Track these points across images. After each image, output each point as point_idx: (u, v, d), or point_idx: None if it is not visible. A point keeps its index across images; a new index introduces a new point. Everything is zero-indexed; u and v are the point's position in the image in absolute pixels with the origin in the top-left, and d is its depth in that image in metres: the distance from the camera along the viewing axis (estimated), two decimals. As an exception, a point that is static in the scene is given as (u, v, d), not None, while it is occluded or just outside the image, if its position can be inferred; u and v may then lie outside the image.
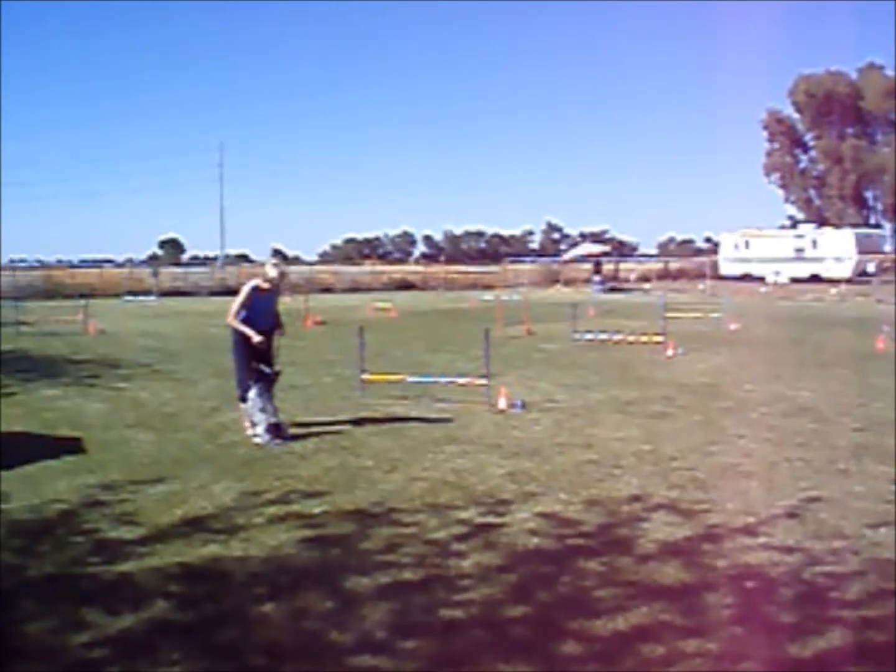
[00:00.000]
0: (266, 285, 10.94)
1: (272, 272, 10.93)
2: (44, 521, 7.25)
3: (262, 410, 10.40)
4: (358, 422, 11.46)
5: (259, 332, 10.63)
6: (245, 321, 10.70)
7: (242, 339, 10.72)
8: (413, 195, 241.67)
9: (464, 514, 7.36)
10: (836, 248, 59.61)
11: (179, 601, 5.57)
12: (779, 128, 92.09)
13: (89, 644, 4.92)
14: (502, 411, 12.15)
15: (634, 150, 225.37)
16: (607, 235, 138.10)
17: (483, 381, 12.74)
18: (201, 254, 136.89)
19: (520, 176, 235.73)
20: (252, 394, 10.56)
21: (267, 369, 10.67)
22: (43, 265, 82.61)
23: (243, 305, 10.76)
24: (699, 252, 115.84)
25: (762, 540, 6.68)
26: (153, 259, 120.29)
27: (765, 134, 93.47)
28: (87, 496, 7.95)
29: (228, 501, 7.79)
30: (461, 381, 13.36)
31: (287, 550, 6.50)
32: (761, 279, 60.26)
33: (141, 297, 47.56)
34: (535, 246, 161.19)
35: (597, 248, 70.31)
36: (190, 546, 6.58)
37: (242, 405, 10.84)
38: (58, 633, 5.06)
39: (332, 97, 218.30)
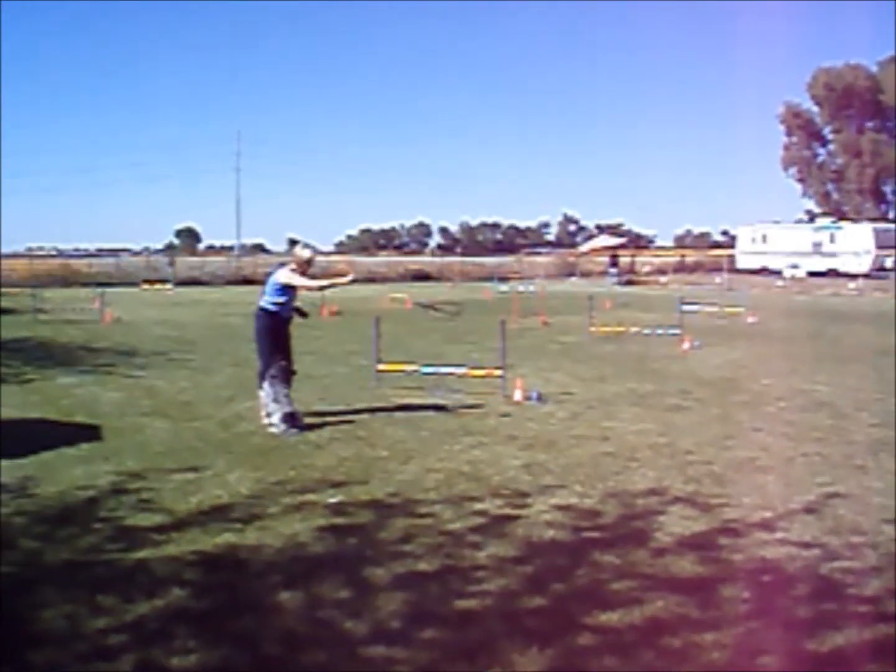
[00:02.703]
0: (299, 269, 10.86)
1: (306, 254, 10.97)
2: (60, 508, 7.27)
3: (276, 400, 10.41)
4: (373, 412, 11.47)
5: (286, 318, 10.82)
6: (283, 305, 10.74)
7: (269, 325, 10.74)
8: (429, 186, 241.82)
9: (479, 506, 7.34)
10: (855, 243, 59.20)
11: (195, 589, 5.58)
12: (797, 121, 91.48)
13: (105, 630, 4.93)
14: (518, 403, 12.13)
15: (651, 142, 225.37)
16: (624, 228, 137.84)
17: (499, 373, 12.72)
18: (218, 243, 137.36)
19: (536, 168, 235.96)
20: (266, 383, 10.58)
21: (284, 363, 10.69)
22: (60, 253, 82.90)
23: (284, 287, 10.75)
24: (716, 245, 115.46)
25: (779, 535, 6.65)
26: (170, 248, 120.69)
27: (782, 127, 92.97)
28: (103, 484, 7.97)
29: (244, 490, 7.80)
30: (477, 372, 13.34)
31: (302, 540, 6.51)
32: (778, 273, 59.94)
33: (157, 286, 47.62)
34: (551, 238, 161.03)
35: (613, 241, 70.11)
36: (206, 534, 6.59)
37: (260, 392, 10.81)
38: (74, 620, 5.07)
39: (350, 87, 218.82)
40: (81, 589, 5.51)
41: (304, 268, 10.92)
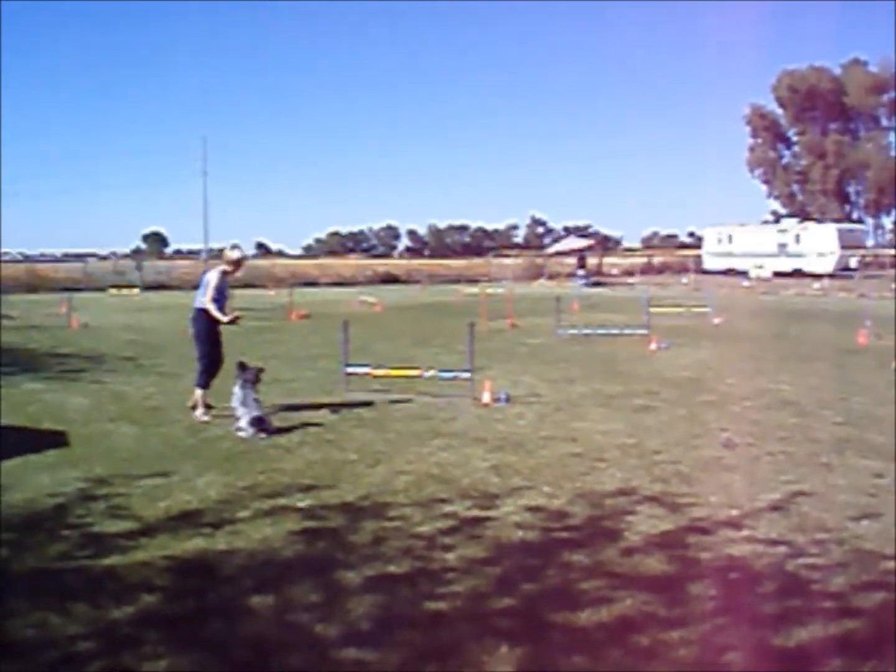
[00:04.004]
0: (231, 269, 11.67)
1: (235, 255, 11.81)
2: (27, 515, 7.22)
3: (245, 404, 10.41)
4: (342, 415, 11.47)
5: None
6: (218, 306, 11.42)
7: (207, 326, 11.44)
8: (397, 189, 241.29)
9: (448, 508, 7.37)
10: (819, 243, 59.78)
11: (165, 595, 5.57)
12: (762, 123, 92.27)
13: (74, 637, 4.92)
14: (486, 405, 12.17)
15: (618, 144, 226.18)
16: (591, 230, 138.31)
17: (467, 375, 12.75)
18: (185, 248, 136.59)
19: (504, 170, 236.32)
20: (235, 388, 10.61)
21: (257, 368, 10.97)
22: (26, 259, 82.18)
23: (218, 291, 11.38)
24: (683, 246, 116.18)
25: (745, 533, 6.73)
26: (137, 253, 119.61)
27: (748, 129, 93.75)
28: (70, 490, 7.92)
29: (213, 495, 7.79)
30: (446, 374, 13.36)
31: (272, 544, 6.50)
32: (744, 273, 60.40)
33: (125, 291, 47.30)
34: (519, 240, 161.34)
35: (581, 243, 70.34)
36: (175, 540, 6.57)
37: (199, 391, 11.47)
38: (43, 628, 5.04)
39: (317, 91, 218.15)
40: (51, 596, 5.48)
41: (234, 268, 11.79)
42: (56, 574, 5.91)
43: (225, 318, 11.38)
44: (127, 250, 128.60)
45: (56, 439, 10.02)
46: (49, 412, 11.84)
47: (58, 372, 15.99)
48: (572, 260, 65.33)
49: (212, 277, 11.48)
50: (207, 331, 11.47)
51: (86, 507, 7.45)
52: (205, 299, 11.35)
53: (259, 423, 10.29)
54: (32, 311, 28.83)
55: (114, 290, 46.88)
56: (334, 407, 12.00)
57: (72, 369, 16.35)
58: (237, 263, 11.78)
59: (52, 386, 14.26)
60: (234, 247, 12.01)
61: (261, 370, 11.00)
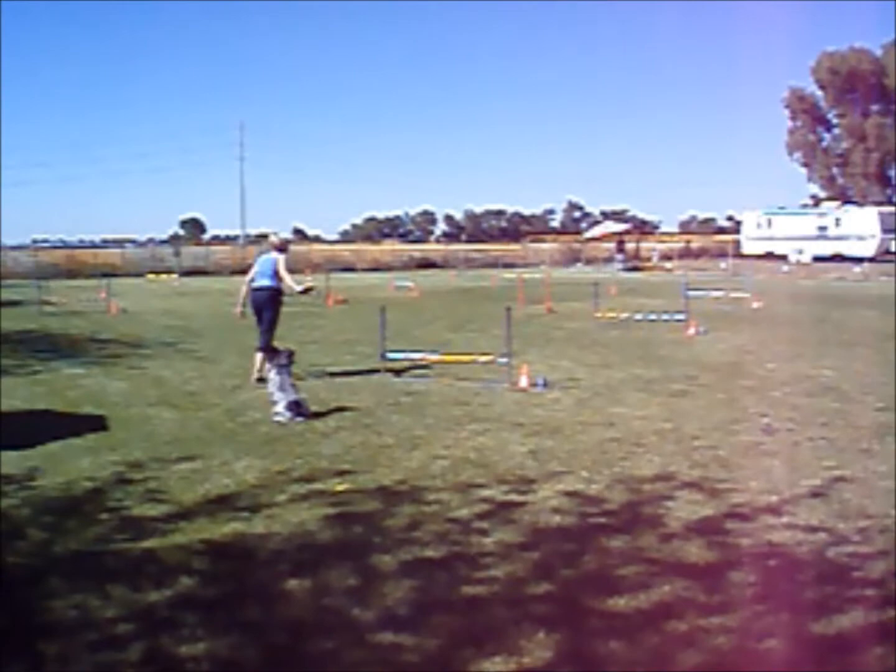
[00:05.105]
0: (284, 252, 13.22)
1: (283, 236, 13.83)
2: (68, 498, 7.29)
3: (282, 389, 10.43)
4: (379, 399, 11.47)
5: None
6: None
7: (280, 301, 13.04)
8: (434, 174, 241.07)
9: (486, 492, 7.35)
10: (860, 227, 59.06)
11: (203, 578, 5.60)
12: (801, 105, 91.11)
13: (114, 619, 4.95)
14: (524, 390, 12.13)
15: (656, 128, 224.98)
16: (628, 214, 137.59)
17: (505, 360, 12.72)
18: (222, 233, 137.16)
19: (541, 154, 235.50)
20: (272, 373, 10.63)
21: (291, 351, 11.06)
22: (65, 245, 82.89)
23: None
24: (721, 230, 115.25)
25: (785, 519, 6.65)
26: (175, 238, 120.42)
27: (787, 112, 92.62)
28: (110, 474, 7.99)
29: (251, 479, 7.82)
30: (483, 359, 13.34)
31: (310, 528, 6.52)
32: (784, 258, 59.78)
33: (163, 277, 47.60)
34: (556, 224, 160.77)
35: (618, 227, 69.95)
36: (213, 523, 6.60)
37: (260, 355, 12.53)
38: (83, 609, 5.08)
39: (353, 76, 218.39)
40: (90, 579, 5.53)
41: (285, 249, 13.28)
42: (95, 556, 5.95)
43: (299, 288, 13.06)
44: (165, 236, 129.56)
45: (96, 423, 10.11)
46: (89, 397, 11.95)
47: (97, 357, 16.14)
48: (609, 244, 65.05)
49: (279, 258, 12.83)
50: (279, 306, 12.90)
51: (125, 490, 7.50)
52: (284, 275, 12.76)
53: (296, 408, 10.32)
54: (72, 297, 29.09)
55: (152, 276, 47.17)
56: (370, 391, 12.01)
57: (111, 354, 16.49)
58: (286, 245, 13.42)
59: (92, 371, 14.39)
60: (275, 233, 13.76)
61: (292, 352, 11.00)
